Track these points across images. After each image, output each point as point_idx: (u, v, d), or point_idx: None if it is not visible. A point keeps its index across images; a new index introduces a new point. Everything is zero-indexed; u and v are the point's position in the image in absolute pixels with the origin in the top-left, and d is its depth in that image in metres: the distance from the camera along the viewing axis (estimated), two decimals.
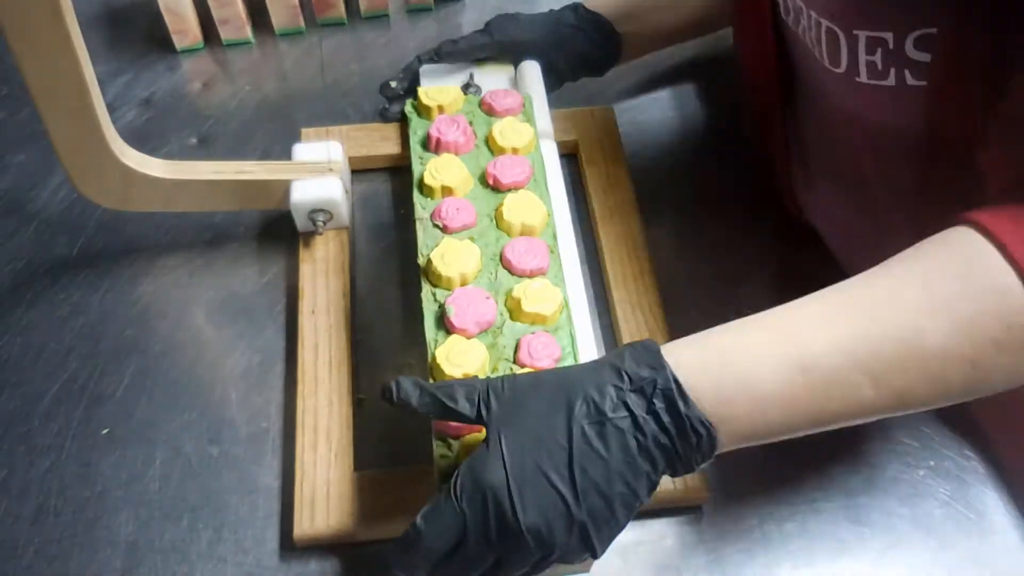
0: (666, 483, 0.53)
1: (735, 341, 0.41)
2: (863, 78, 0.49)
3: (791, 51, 0.58)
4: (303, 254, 0.63)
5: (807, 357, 0.39)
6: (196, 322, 0.62)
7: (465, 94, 0.63)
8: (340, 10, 0.82)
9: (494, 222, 0.56)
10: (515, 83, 0.68)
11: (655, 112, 0.76)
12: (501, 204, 0.56)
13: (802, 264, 0.65)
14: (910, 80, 0.47)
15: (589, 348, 0.51)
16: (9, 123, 0.74)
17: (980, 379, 0.39)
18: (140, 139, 0.73)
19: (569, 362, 0.50)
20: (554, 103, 0.69)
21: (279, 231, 0.67)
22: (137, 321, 0.62)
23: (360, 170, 0.70)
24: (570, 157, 0.72)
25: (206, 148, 0.72)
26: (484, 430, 0.41)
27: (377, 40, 0.82)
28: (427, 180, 0.57)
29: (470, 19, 0.83)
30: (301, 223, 0.63)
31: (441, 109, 0.61)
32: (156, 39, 0.80)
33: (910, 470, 0.56)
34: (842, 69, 0.50)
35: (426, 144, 0.60)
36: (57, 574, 0.51)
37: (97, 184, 0.59)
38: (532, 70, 0.66)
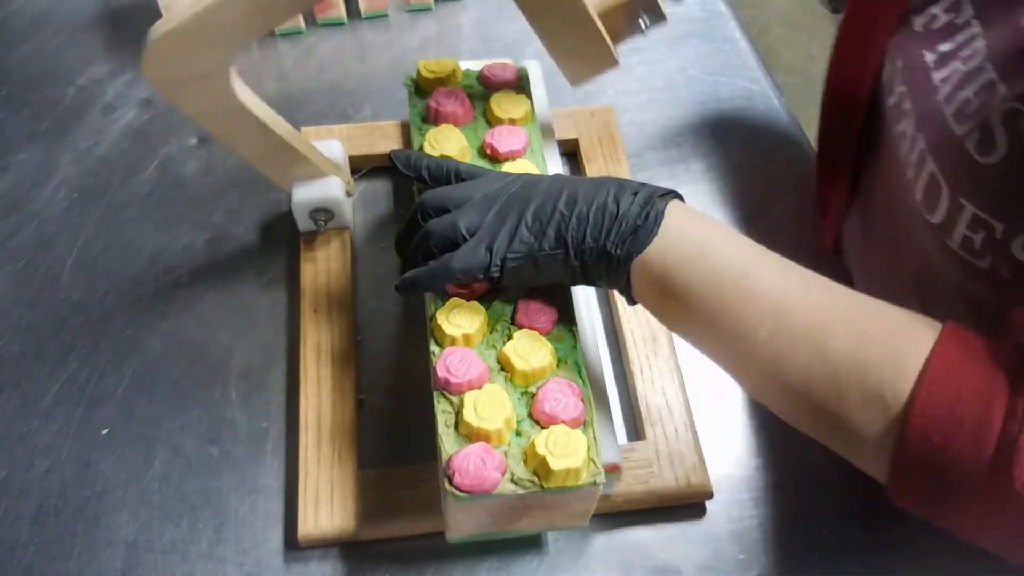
0: (668, 482, 0.53)
1: (725, 227, 0.46)
2: (954, 245, 0.44)
3: (881, 125, 0.54)
4: (304, 253, 0.63)
5: (753, 271, 0.43)
6: (196, 322, 0.62)
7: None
8: (340, 10, 0.82)
9: None
10: None
11: (655, 112, 0.76)
12: None
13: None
14: (1005, 274, 0.42)
15: (589, 312, 0.52)
16: (9, 123, 0.74)
17: (832, 414, 0.40)
18: (140, 139, 0.73)
19: (566, 326, 0.50)
20: (555, 102, 0.69)
21: (280, 231, 0.66)
22: (137, 321, 0.62)
23: (360, 169, 0.70)
24: (570, 156, 0.72)
25: (206, 148, 0.72)
26: (486, 384, 0.47)
27: (377, 40, 0.81)
28: (426, 149, 0.58)
29: (470, 19, 0.83)
30: (302, 223, 0.63)
31: (440, 82, 0.62)
32: None
33: None
34: (936, 220, 0.45)
35: (425, 116, 0.60)
36: (57, 574, 0.51)
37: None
38: (533, 70, 0.66)
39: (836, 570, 0.53)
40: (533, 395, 0.47)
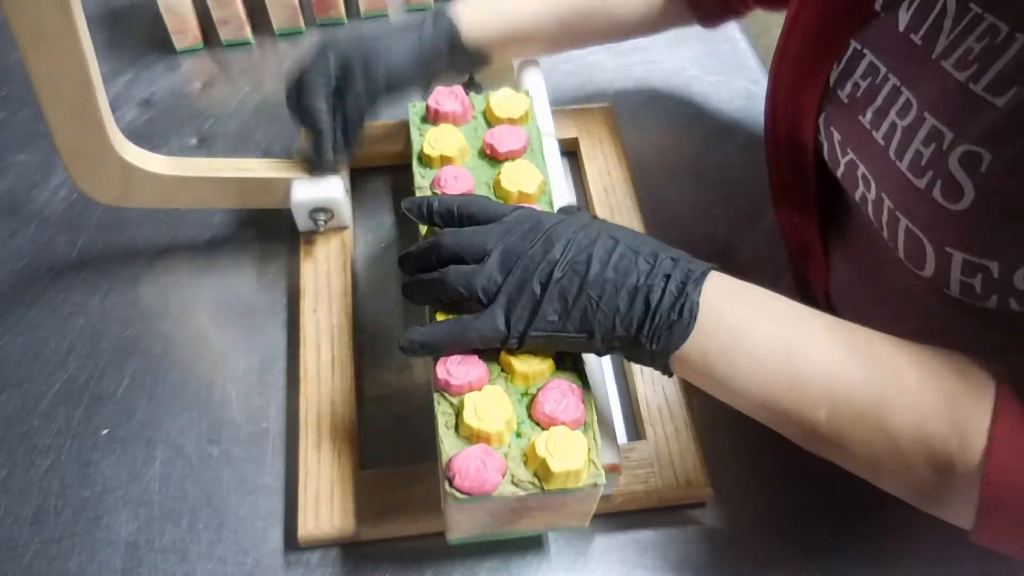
0: (668, 481, 0.53)
1: (762, 299, 0.44)
2: (953, 292, 0.43)
3: (838, 190, 0.53)
4: (304, 253, 0.63)
5: (798, 349, 0.41)
6: (196, 322, 0.62)
7: (467, 92, 0.63)
8: (340, 10, 0.82)
9: (492, 190, 0.57)
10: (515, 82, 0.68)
11: (655, 111, 0.76)
12: (499, 173, 0.56)
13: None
14: (1015, 307, 0.41)
15: None
16: (9, 123, 0.74)
17: (901, 480, 0.41)
18: (140, 139, 0.72)
19: None
20: (555, 102, 0.69)
21: (279, 230, 0.66)
22: (137, 321, 0.62)
23: (360, 168, 0.70)
24: (571, 155, 0.72)
25: (206, 148, 0.72)
26: (486, 386, 0.46)
27: None
28: (426, 150, 0.57)
29: None
30: (302, 222, 0.63)
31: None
32: (156, 39, 0.79)
33: None
34: (927, 274, 0.44)
35: (425, 116, 0.60)
36: (57, 574, 0.51)
37: (97, 180, 0.58)
38: (532, 70, 0.66)
39: (836, 570, 0.53)
40: (533, 397, 0.46)
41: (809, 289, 0.61)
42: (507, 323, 0.44)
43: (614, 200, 0.67)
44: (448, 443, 0.45)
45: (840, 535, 0.54)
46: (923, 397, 0.40)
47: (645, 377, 0.58)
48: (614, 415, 0.56)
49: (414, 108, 0.61)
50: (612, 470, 0.50)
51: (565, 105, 0.73)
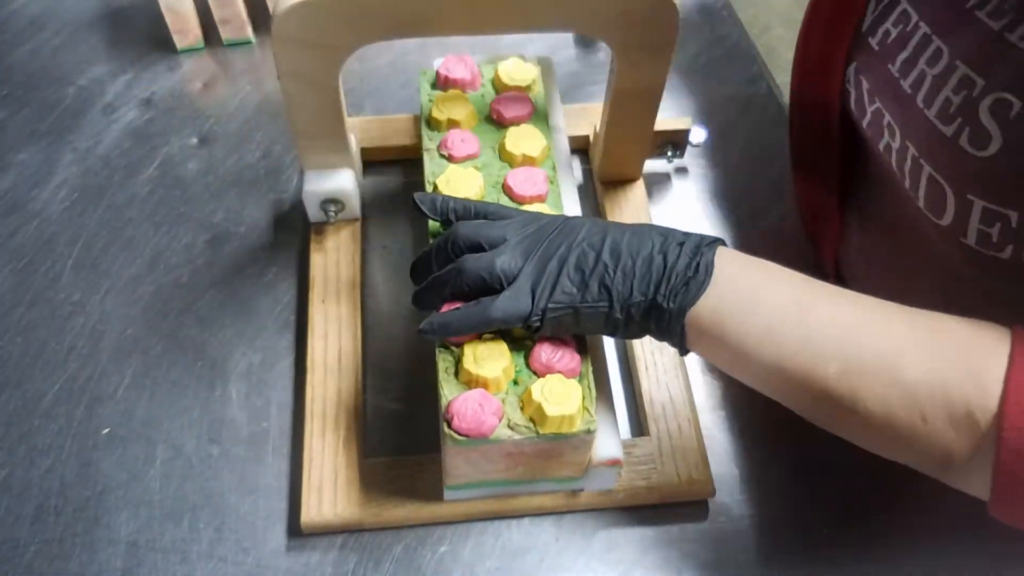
0: (671, 478, 0.53)
1: (773, 266, 0.45)
2: (970, 242, 0.44)
3: (860, 146, 0.53)
4: (314, 244, 0.63)
5: (810, 307, 0.42)
6: (197, 321, 0.62)
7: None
8: None
9: (497, 153, 0.58)
10: None
11: (665, 108, 0.76)
12: (504, 136, 0.58)
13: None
14: None
15: None
16: (9, 123, 0.74)
17: (919, 438, 0.40)
18: (141, 139, 0.72)
19: None
20: (566, 99, 0.69)
21: (280, 230, 0.66)
22: (138, 320, 0.62)
23: (372, 162, 0.70)
24: (581, 152, 0.72)
25: (207, 148, 0.72)
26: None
27: None
28: (434, 114, 0.59)
29: None
30: (313, 213, 0.63)
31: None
32: (156, 39, 0.79)
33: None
34: (945, 223, 0.45)
35: (435, 82, 0.62)
36: (57, 573, 0.51)
37: None
38: (545, 67, 0.66)
39: (836, 570, 0.52)
40: (531, 346, 0.48)
41: (819, 261, 0.61)
42: (530, 301, 0.45)
43: (622, 196, 0.67)
44: (447, 388, 0.46)
45: (841, 534, 0.53)
46: (937, 346, 0.40)
47: (649, 373, 0.58)
48: (618, 410, 0.56)
49: (425, 75, 0.62)
50: (614, 464, 0.50)
51: (576, 103, 0.73)
